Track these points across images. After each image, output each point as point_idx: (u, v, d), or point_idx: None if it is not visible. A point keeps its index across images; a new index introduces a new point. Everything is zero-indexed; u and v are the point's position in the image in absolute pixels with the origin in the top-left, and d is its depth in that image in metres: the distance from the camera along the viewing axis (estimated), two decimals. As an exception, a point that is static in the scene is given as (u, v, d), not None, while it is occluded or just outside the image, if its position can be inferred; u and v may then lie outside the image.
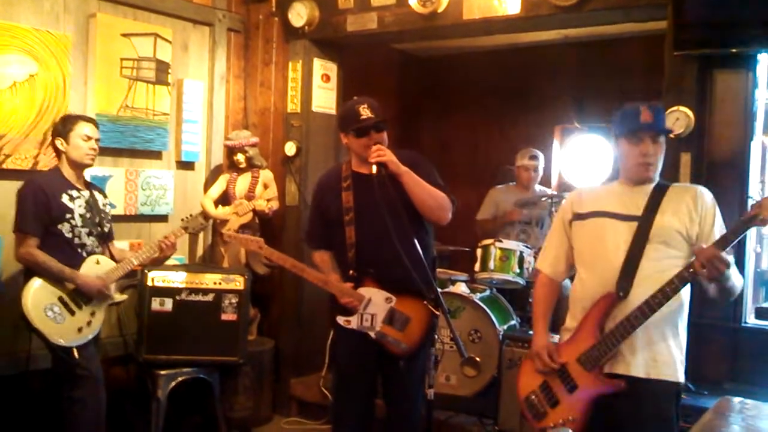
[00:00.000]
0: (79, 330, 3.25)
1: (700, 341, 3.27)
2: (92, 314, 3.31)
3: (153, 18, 4.26)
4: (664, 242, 2.39)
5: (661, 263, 2.37)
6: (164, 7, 4.30)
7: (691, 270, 2.25)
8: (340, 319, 2.94)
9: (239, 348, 4.02)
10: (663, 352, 2.40)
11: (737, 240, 2.22)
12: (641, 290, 2.36)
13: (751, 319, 3.37)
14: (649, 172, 2.47)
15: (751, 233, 3.35)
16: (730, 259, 2.23)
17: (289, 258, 3.04)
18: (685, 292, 2.44)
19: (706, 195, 2.46)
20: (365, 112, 2.84)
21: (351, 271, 2.92)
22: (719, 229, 2.41)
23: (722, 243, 2.22)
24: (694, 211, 2.41)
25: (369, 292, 2.91)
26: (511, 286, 4.45)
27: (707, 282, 2.32)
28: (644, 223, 2.41)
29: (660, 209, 2.42)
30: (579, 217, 2.57)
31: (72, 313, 3.24)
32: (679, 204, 2.43)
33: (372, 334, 2.91)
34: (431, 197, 2.88)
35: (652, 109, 2.45)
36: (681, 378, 2.43)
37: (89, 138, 3.31)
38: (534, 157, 4.94)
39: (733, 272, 2.32)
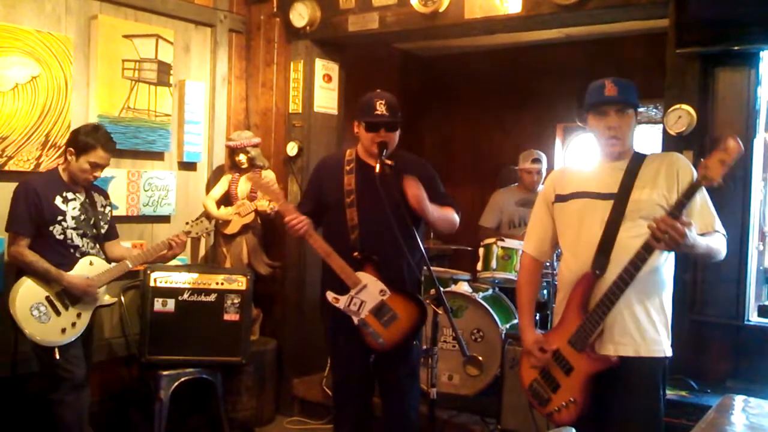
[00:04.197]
0: (63, 331, 3.24)
1: (702, 339, 3.27)
2: (78, 316, 3.30)
3: (154, 19, 4.26)
4: (641, 217, 2.39)
5: (638, 238, 2.36)
6: (166, 8, 4.31)
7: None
8: (329, 296, 2.95)
9: (242, 348, 4.02)
10: (650, 330, 2.44)
11: (689, 201, 2.21)
12: (617, 266, 2.37)
13: (753, 317, 3.35)
14: (617, 146, 2.48)
15: (754, 231, 3.35)
16: (692, 230, 2.21)
17: (299, 216, 2.97)
18: (667, 269, 2.48)
19: (681, 160, 2.46)
20: (381, 108, 2.87)
21: (355, 253, 2.92)
22: (699, 195, 2.39)
23: (676, 208, 2.22)
24: (671, 179, 2.41)
25: (366, 278, 2.92)
26: (514, 285, 4.39)
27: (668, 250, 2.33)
28: (620, 200, 2.43)
29: (636, 184, 2.44)
30: (560, 198, 2.60)
31: (58, 313, 3.24)
32: (655, 175, 2.44)
33: (355, 319, 2.92)
34: (445, 220, 3.00)
35: (618, 83, 2.46)
36: (668, 352, 2.48)
37: (98, 167, 3.30)
38: (536, 161, 4.92)
39: (707, 238, 2.34)
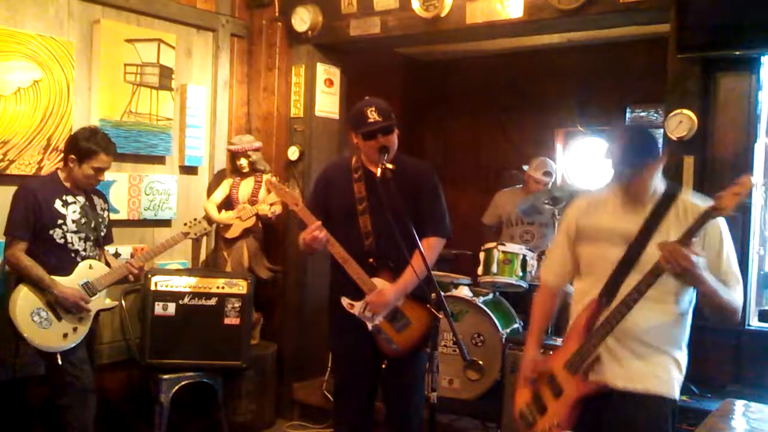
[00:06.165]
0: (65, 336, 3.23)
1: (703, 344, 3.25)
2: (79, 320, 3.29)
3: (156, 24, 4.28)
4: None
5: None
6: (168, 12, 4.32)
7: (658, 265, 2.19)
8: (344, 301, 2.94)
9: (242, 352, 4.03)
10: (660, 367, 2.32)
11: (697, 231, 2.15)
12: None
13: (754, 322, 3.35)
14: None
15: (754, 236, 3.34)
16: (700, 260, 2.14)
17: (319, 223, 2.91)
18: (687, 305, 2.36)
19: (710, 230, 2.28)
20: (373, 115, 2.87)
21: (371, 259, 2.92)
22: (726, 246, 2.29)
23: (685, 236, 2.15)
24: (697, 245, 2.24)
25: (381, 284, 2.93)
26: (514, 289, 4.44)
27: (675, 279, 2.22)
28: (635, 247, 2.32)
29: (654, 237, 2.30)
30: (583, 237, 2.50)
31: (59, 318, 3.22)
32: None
33: (369, 325, 2.93)
34: (432, 260, 2.97)
35: (632, 140, 2.34)
36: (676, 395, 2.34)
37: (101, 171, 3.31)
38: (548, 173, 4.90)
39: (722, 288, 2.23)
